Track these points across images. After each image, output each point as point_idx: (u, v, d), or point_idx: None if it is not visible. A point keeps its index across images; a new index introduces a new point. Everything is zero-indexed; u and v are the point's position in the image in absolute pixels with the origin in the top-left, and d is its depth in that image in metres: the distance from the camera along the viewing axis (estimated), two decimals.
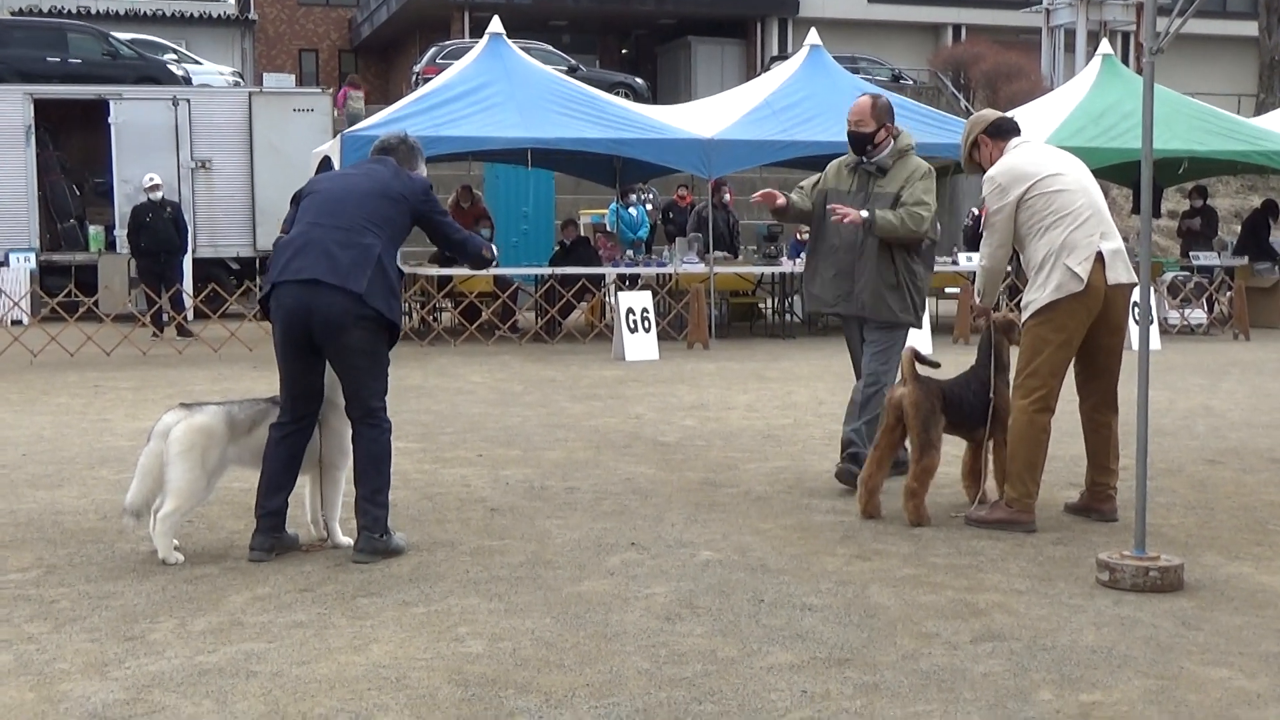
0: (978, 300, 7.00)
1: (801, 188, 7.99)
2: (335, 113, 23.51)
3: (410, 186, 6.23)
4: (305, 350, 6.01)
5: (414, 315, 18.51)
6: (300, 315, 5.92)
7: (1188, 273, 19.89)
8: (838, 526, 6.72)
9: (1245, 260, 20.42)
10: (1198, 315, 19.11)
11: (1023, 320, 6.68)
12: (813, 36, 19.13)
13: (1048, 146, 6.93)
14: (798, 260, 19.23)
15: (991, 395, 6.92)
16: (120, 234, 20.88)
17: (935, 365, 7.05)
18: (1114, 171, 22.11)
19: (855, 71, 26.73)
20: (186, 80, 27.65)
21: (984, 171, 6.78)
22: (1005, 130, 6.85)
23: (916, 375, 6.88)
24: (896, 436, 6.96)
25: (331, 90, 23.97)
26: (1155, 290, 18.05)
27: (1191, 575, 5.68)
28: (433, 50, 32.47)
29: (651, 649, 4.77)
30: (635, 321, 15.26)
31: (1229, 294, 19.25)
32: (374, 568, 5.89)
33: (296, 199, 6.31)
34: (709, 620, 5.12)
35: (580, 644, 4.82)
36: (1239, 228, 23.12)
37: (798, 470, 8.26)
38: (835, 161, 7.93)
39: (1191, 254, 20.79)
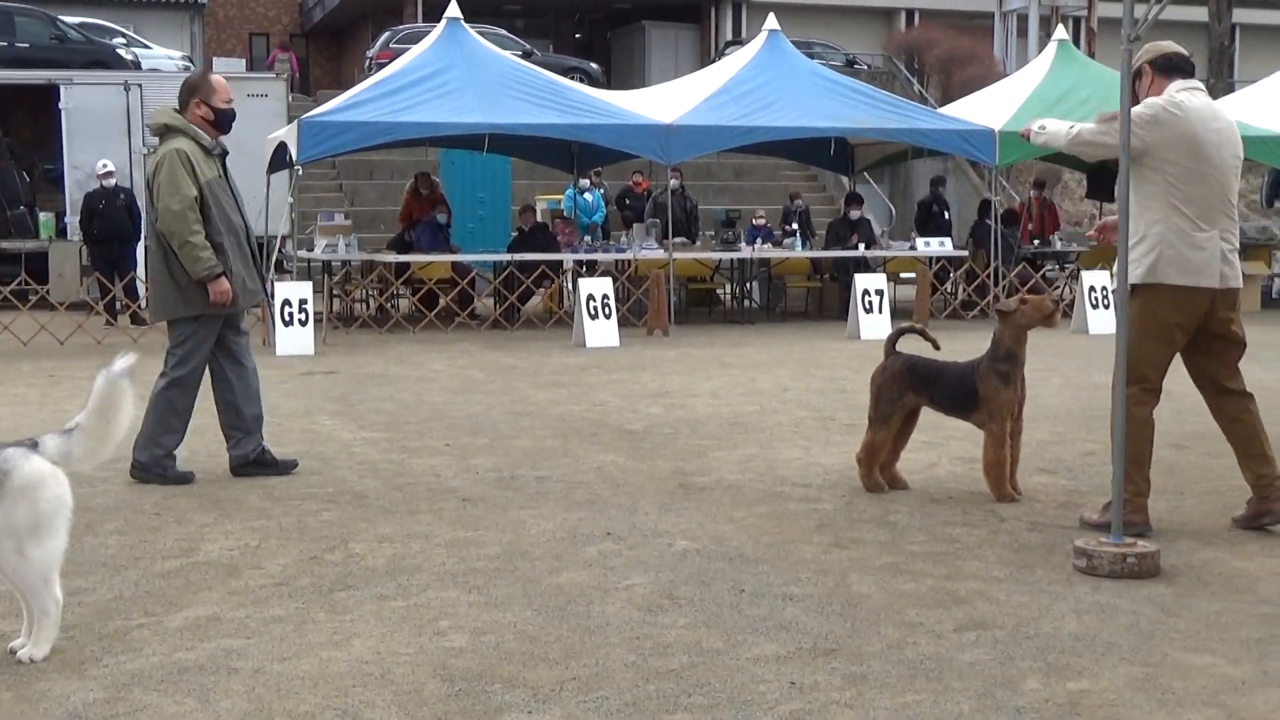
0: (1035, 125, 6.51)
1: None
2: (290, 98, 23.27)
3: None
4: None
5: (371, 303, 18.37)
6: None
7: None
8: (812, 515, 6.71)
9: None
10: None
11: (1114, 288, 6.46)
12: (771, 21, 19.10)
13: (1215, 107, 6.25)
14: (756, 246, 19.27)
15: (976, 380, 7.03)
16: (72, 221, 20.61)
17: (928, 339, 7.35)
18: (1070, 156, 22.27)
19: (810, 57, 26.74)
20: (136, 65, 27.31)
21: (1137, 102, 6.24)
22: (1174, 67, 6.27)
23: (889, 350, 7.23)
24: (901, 417, 7.27)
25: (286, 76, 23.72)
26: (1114, 275, 18.15)
27: (1166, 561, 5.71)
28: (386, 35, 32.25)
29: (636, 641, 4.74)
30: (596, 308, 15.21)
31: None
32: (349, 561, 5.83)
33: None
34: (691, 611, 5.09)
35: (564, 637, 4.79)
36: None
37: (768, 458, 8.25)
38: (186, 148, 7.34)
39: None
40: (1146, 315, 6.13)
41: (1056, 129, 6.37)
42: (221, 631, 4.87)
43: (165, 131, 7.49)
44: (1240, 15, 41.41)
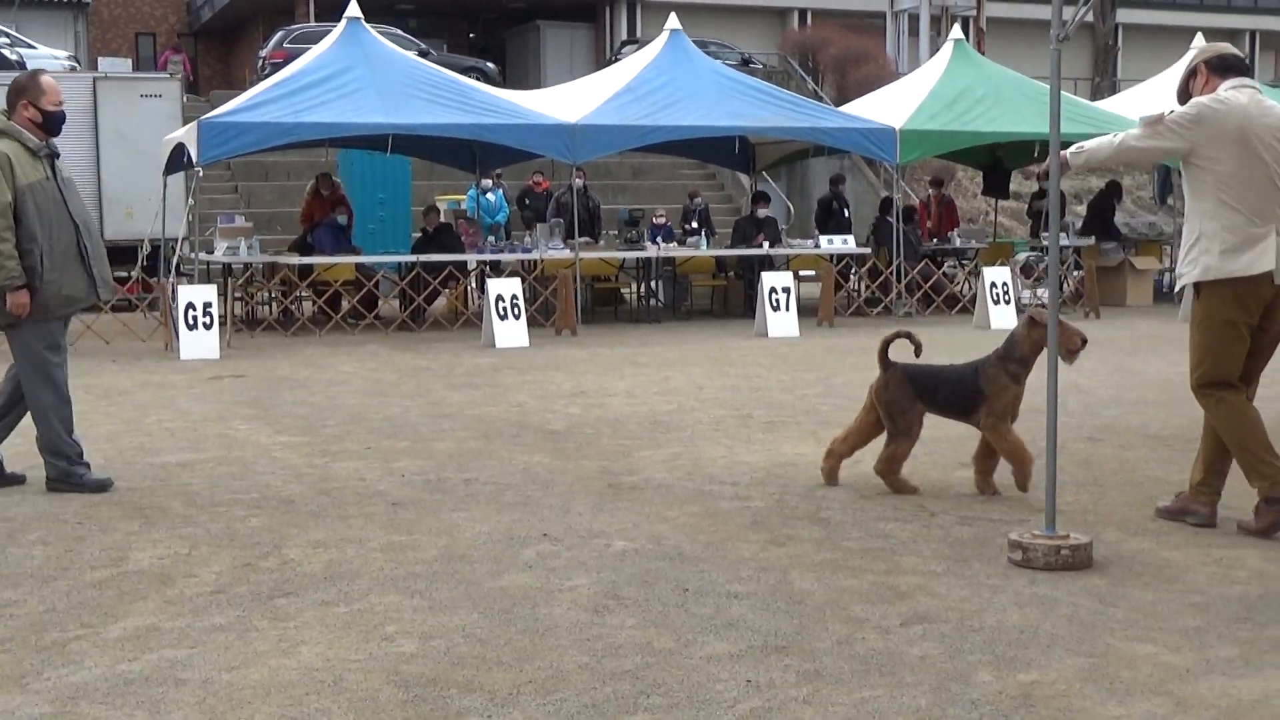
0: (1069, 152, 6.26)
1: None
2: (185, 99, 22.88)
3: None
4: None
5: (274, 305, 18.14)
6: None
7: (1038, 253, 20.39)
8: (744, 512, 6.74)
9: (1092, 240, 21.01)
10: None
11: (1176, 288, 6.31)
12: (672, 21, 19.16)
13: (1267, 104, 6.14)
14: (658, 244, 19.31)
15: (983, 383, 6.97)
16: None
17: (915, 344, 7.30)
18: (965, 154, 22.63)
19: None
20: (20, 65, 26.69)
21: (1188, 99, 6.22)
22: (1229, 66, 6.23)
23: (885, 362, 7.16)
24: (873, 418, 7.24)
25: (181, 76, 23.30)
26: (1010, 270, 18.46)
27: (1097, 553, 5.81)
28: (279, 34, 31.81)
29: (587, 642, 4.72)
30: (505, 308, 15.15)
31: (1077, 273, 19.79)
32: (285, 568, 5.75)
33: None
34: (638, 611, 5.09)
35: (514, 640, 4.76)
36: (1081, 208, 23.83)
37: (693, 456, 8.27)
38: (8, 151, 7.12)
39: (1041, 234, 21.30)
40: (1211, 314, 6.10)
41: (1098, 143, 6.27)
42: (162, 642, 4.78)
43: None
44: (1124, 15, 42.31)
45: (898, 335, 7.25)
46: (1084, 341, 6.83)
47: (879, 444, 7.30)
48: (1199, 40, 22.77)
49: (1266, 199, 6.02)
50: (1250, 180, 6.00)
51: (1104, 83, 38.31)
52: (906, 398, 7.09)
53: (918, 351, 7.32)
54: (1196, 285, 6.12)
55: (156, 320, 16.27)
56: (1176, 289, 6.18)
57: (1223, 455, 6.32)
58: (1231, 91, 6.11)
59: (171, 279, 16.12)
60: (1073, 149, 6.29)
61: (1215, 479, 6.37)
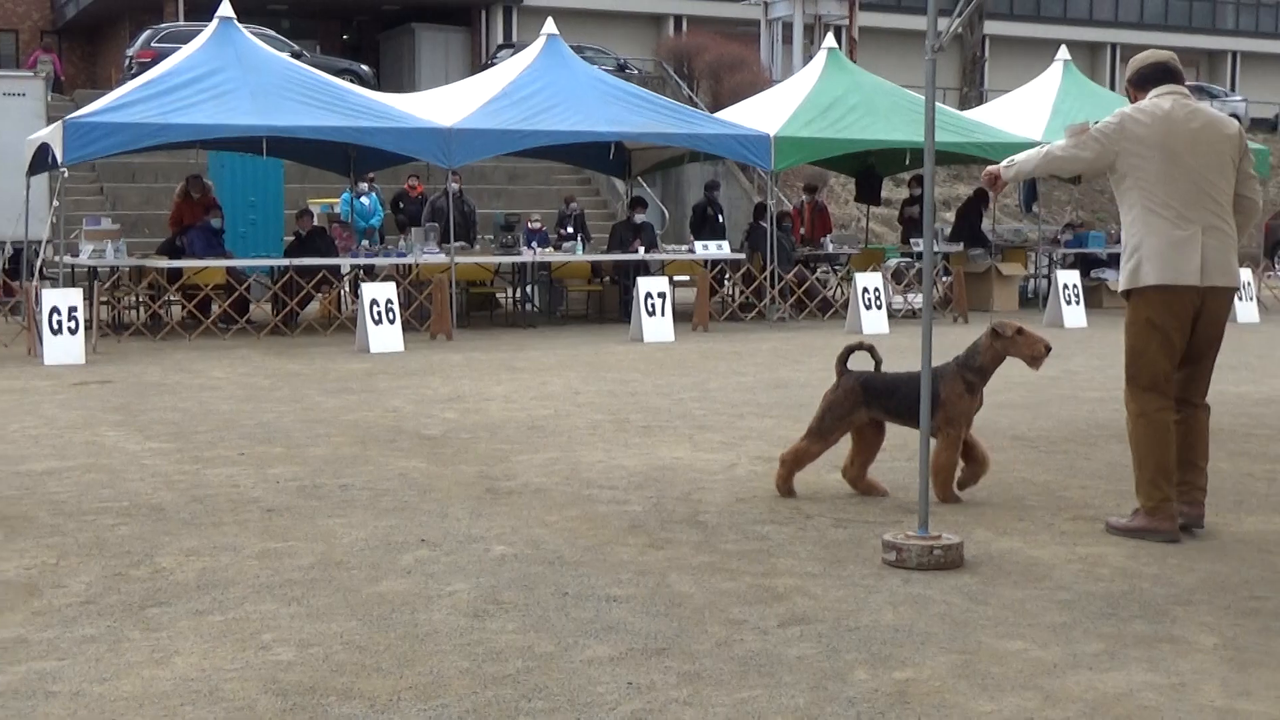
0: (1001, 165, 6.45)
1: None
2: (49, 98, 22.35)
3: None
4: None
5: (142, 310, 17.80)
6: None
7: (909, 259, 20.73)
8: (623, 516, 6.76)
9: (960, 247, 21.41)
10: (920, 299, 19.93)
11: (1119, 290, 6.40)
12: (549, 26, 19.19)
13: (1197, 108, 6.23)
14: (534, 249, 19.32)
15: (939, 388, 6.89)
16: None
17: (874, 357, 7.18)
18: (838, 161, 22.94)
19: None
20: None
21: None
22: (1147, 79, 6.31)
23: (841, 370, 7.19)
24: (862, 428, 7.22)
25: (46, 75, 22.76)
26: (881, 276, 18.74)
27: (968, 552, 5.93)
28: (147, 33, 31.18)
29: (467, 647, 4.71)
30: (379, 313, 15.03)
31: (946, 279, 20.16)
32: (157, 576, 5.65)
33: None
34: (518, 616, 5.09)
35: (393, 646, 4.73)
36: (949, 215, 24.30)
37: (570, 461, 8.28)
38: None
39: (912, 240, 21.67)
40: (1140, 320, 6.17)
41: (1027, 156, 6.37)
42: (31, 654, 4.67)
43: None
44: (991, 27, 43.19)
45: (859, 347, 7.19)
46: (1048, 349, 6.92)
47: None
48: (1063, 52, 23.42)
49: (1190, 202, 6.09)
50: (1174, 184, 6.07)
51: (972, 93, 39.11)
52: (848, 406, 7.06)
53: (877, 367, 7.20)
54: (1126, 292, 6.21)
55: (19, 325, 15.89)
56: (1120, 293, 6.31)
57: (1192, 449, 6.36)
58: (1155, 100, 6.20)
59: (35, 282, 15.74)
60: (1004, 163, 6.42)
61: (1192, 475, 6.38)
